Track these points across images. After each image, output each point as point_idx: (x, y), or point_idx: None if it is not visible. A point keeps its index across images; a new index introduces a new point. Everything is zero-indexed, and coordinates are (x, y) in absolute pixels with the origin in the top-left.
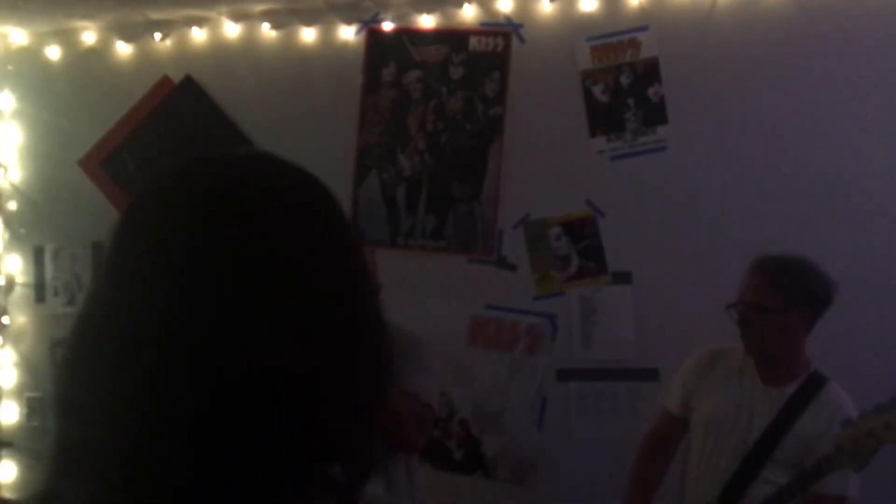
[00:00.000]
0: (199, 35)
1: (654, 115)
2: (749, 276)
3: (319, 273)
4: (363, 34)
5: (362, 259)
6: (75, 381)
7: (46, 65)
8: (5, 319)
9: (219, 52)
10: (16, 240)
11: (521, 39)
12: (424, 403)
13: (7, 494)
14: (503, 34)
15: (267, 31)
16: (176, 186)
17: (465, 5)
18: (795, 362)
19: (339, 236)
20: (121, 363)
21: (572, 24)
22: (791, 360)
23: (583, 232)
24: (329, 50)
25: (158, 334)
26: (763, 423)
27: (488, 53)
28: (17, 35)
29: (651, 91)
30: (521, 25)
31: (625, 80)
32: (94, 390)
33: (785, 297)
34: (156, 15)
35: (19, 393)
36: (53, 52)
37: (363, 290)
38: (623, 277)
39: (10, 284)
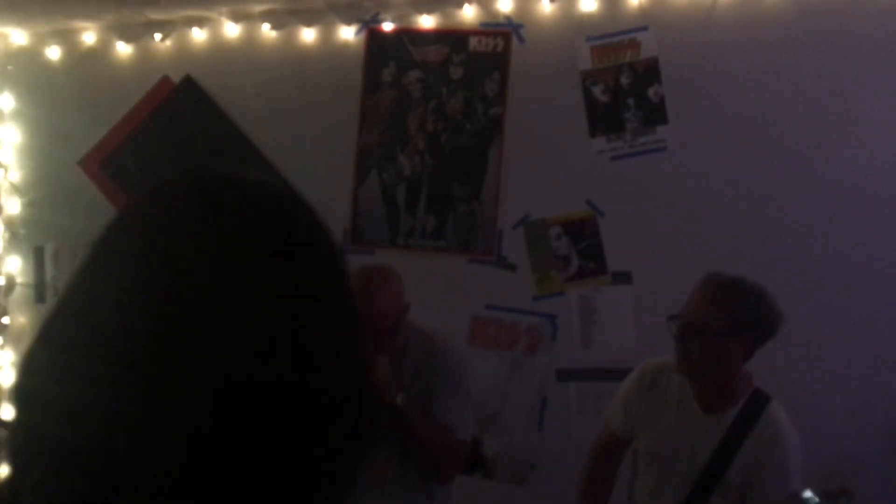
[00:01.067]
0: (199, 35)
1: (654, 115)
2: (698, 291)
3: (309, 289)
4: (363, 34)
5: (347, 288)
6: (48, 370)
7: (46, 65)
8: (5, 319)
9: (219, 52)
10: (16, 240)
11: (521, 39)
12: (457, 439)
13: None
14: (503, 34)
15: (267, 31)
16: (174, 191)
17: (465, 5)
18: (732, 385)
19: (328, 263)
20: (96, 356)
21: (572, 24)
22: (726, 383)
23: (583, 232)
24: (329, 50)
25: (142, 331)
26: (704, 453)
27: (488, 53)
28: (17, 35)
29: (651, 91)
30: (521, 25)
31: (625, 80)
32: (64, 382)
33: (729, 322)
34: (156, 15)
35: None
36: (53, 52)
37: (344, 312)
38: (623, 277)
39: (10, 284)
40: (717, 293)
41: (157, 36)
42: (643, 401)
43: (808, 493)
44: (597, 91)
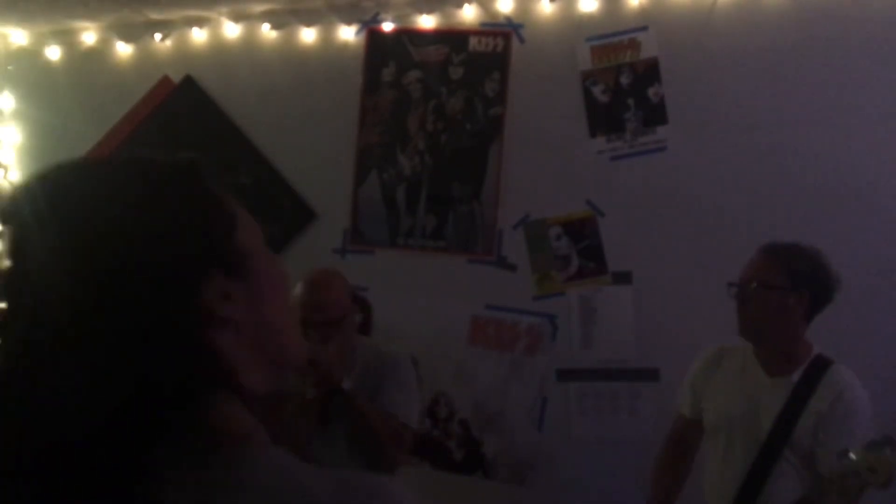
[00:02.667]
0: (199, 35)
1: (654, 115)
2: (756, 256)
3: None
4: (363, 34)
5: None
6: None
7: (46, 65)
8: None
9: (219, 52)
10: None
11: (521, 39)
12: (401, 423)
13: None
14: (503, 34)
15: (267, 31)
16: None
17: (465, 5)
18: (795, 349)
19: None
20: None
21: (572, 25)
22: (789, 345)
23: (583, 232)
24: (329, 50)
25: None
26: (771, 415)
27: (488, 53)
28: (17, 35)
29: (651, 91)
30: (521, 25)
31: (625, 80)
32: None
33: (788, 277)
34: (156, 15)
35: None
36: (53, 52)
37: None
38: (623, 277)
39: None
40: (774, 253)
41: (157, 36)
42: (708, 377)
43: (852, 454)
44: (597, 91)
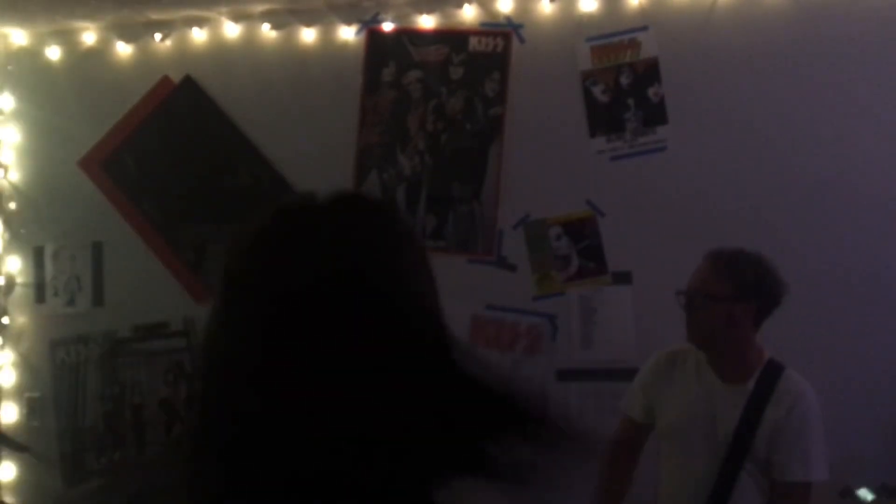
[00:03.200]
0: (199, 35)
1: (654, 115)
2: (702, 264)
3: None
4: (363, 34)
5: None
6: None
7: (46, 65)
8: (5, 320)
9: (219, 52)
10: (16, 240)
11: (521, 39)
12: None
13: (7, 495)
14: (503, 34)
15: (267, 31)
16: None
17: (465, 5)
18: (747, 356)
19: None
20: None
21: (572, 24)
22: (741, 353)
23: (583, 232)
24: (329, 50)
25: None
26: (728, 422)
27: (488, 53)
28: (17, 35)
29: (651, 91)
30: (521, 26)
31: (625, 80)
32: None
33: (733, 287)
34: (156, 15)
35: (19, 393)
36: (53, 52)
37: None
38: (623, 277)
39: (10, 284)
40: (719, 262)
41: (157, 36)
42: (662, 382)
43: (862, 491)
44: (597, 91)
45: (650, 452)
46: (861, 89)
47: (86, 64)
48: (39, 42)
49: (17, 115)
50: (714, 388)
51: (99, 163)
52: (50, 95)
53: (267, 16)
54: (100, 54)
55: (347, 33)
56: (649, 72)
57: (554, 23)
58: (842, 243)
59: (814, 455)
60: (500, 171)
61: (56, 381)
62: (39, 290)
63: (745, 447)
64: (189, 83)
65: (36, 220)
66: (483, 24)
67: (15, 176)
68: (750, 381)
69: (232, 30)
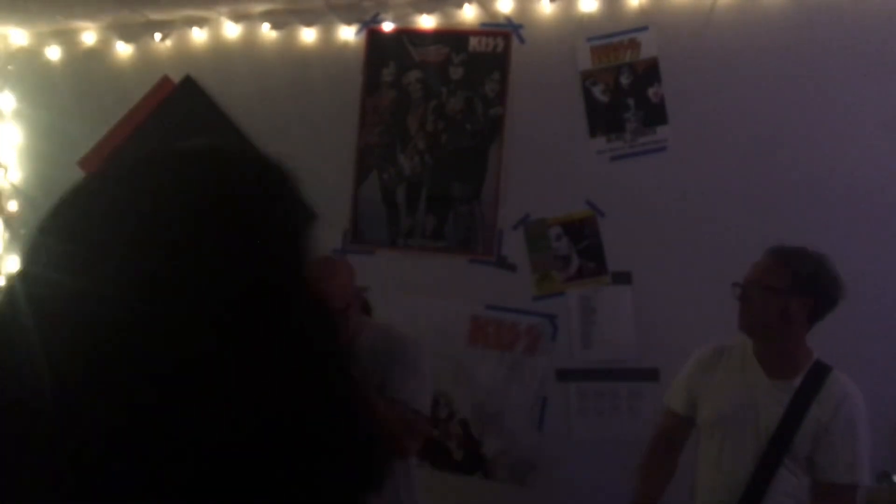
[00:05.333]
0: (199, 35)
1: (654, 115)
2: (762, 257)
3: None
4: (363, 34)
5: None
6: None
7: (46, 65)
8: None
9: (219, 52)
10: (16, 240)
11: (521, 40)
12: (413, 410)
13: None
14: (503, 35)
15: (267, 31)
16: (130, 177)
17: (465, 6)
18: (796, 353)
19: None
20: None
21: (572, 25)
22: (791, 349)
23: (583, 232)
24: (329, 50)
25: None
26: (771, 418)
27: (488, 54)
28: (17, 35)
29: (651, 91)
30: (521, 26)
31: (625, 80)
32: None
33: (792, 281)
34: (156, 15)
35: None
36: (53, 52)
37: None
38: (623, 277)
39: None
40: (779, 256)
41: (157, 36)
42: (706, 375)
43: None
44: (597, 91)
45: (688, 445)
46: (861, 89)
47: (86, 64)
48: (39, 42)
49: (18, 116)
50: (758, 383)
51: (99, 163)
52: (50, 95)
53: (267, 16)
54: (100, 54)
55: (347, 33)
56: (649, 72)
57: (554, 23)
58: (842, 243)
59: (861, 459)
60: (500, 171)
61: None
62: None
63: (786, 443)
64: (189, 83)
65: (36, 220)
66: (483, 25)
67: (15, 176)
68: (796, 378)
69: (232, 30)
